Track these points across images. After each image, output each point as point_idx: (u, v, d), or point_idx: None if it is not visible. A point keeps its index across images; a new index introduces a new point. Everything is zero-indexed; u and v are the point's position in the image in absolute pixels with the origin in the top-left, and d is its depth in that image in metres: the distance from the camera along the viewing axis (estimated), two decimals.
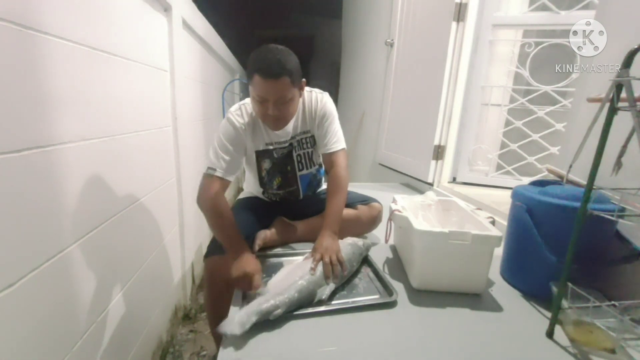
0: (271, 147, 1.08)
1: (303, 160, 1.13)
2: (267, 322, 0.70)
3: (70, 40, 0.80)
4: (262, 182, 1.14)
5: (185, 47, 1.72)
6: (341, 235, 0.99)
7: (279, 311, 0.71)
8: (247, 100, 1.02)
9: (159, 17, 1.39)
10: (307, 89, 1.06)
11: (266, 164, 1.10)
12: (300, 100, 1.03)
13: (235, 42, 3.31)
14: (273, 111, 0.90)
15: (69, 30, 0.79)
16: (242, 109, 1.03)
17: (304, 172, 1.15)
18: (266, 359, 0.63)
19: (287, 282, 0.79)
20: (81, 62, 0.85)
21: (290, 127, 1.05)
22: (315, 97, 1.06)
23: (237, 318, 0.67)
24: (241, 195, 1.26)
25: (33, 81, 0.69)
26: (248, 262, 0.83)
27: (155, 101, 1.36)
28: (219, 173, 0.96)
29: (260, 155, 1.09)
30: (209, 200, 0.94)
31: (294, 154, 1.11)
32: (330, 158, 1.06)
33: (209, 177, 0.96)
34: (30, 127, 0.68)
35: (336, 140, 1.06)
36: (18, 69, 0.65)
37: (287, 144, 1.09)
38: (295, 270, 0.84)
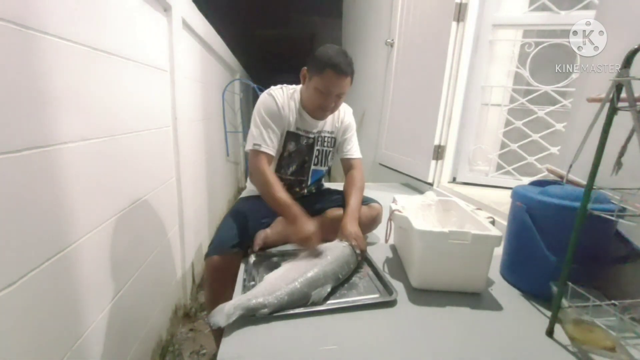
0: (300, 133, 1.14)
1: (320, 156, 1.22)
2: (267, 321, 0.71)
3: (70, 40, 0.80)
4: (280, 164, 1.18)
5: (185, 47, 1.72)
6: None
7: (265, 310, 0.72)
8: (286, 85, 1.13)
9: (159, 17, 1.39)
10: None
11: (291, 146, 1.15)
12: None
13: (235, 42, 3.31)
14: (331, 103, 1.04)
15: (68, 30, 0.79)
16: (284, 90, 1.11)
17: (318, 167, 1.23)
18: (266, 357, 0.63)
19: (282, 281, 0.79)
20: (81, 62, 0.85)
21: (320, 121, 1.15)
22: (344, 107, 1.22)
23: (225, 309, 0.69)
24: (243, 194, 1.26)
25: (33, 81, 0.69)
26: (304, 227, 0.92)
27: (155, 101, 1.36)
28: (263, 148, 1.03)
29: (289, 136, 1.13)
30: (260, 174, 1.02)
31: (314, 148, 1.19)
32: (350, 162, 1.23)
33: (255, 152, 1.04)
34: (30, 127, 0.68)
35: (356, 149, 1.24)
36: (18, 69, 0.65)
37: (312, 136, 1.17)
38: (293, 270, 0.84)
